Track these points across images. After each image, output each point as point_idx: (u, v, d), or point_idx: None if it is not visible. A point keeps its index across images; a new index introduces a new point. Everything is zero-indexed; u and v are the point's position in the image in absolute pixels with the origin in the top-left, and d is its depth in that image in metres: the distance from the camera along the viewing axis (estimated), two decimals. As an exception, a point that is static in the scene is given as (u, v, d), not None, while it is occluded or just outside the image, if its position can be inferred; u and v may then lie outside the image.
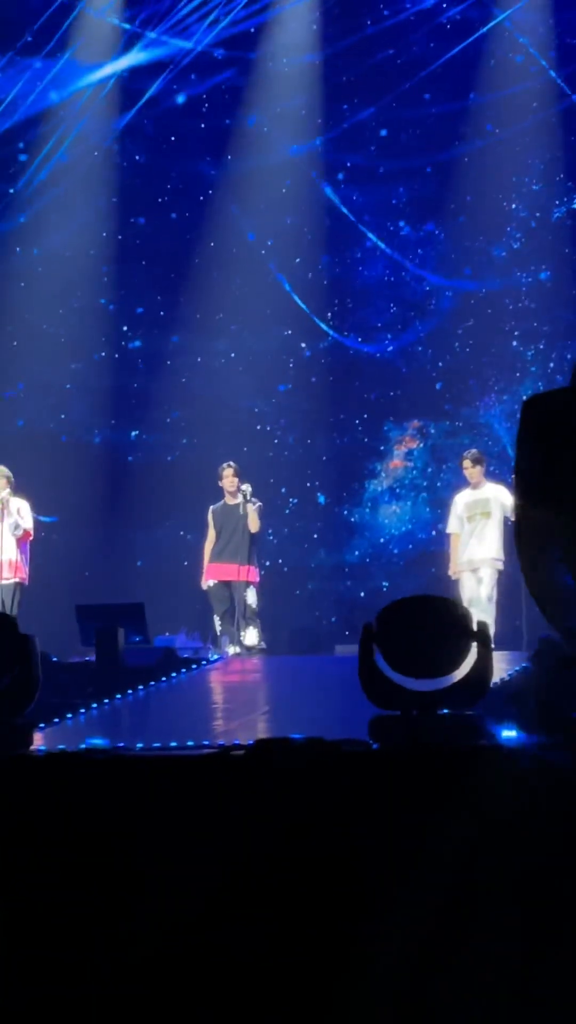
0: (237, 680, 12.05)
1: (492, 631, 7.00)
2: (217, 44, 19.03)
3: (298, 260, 19.25)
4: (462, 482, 14.93)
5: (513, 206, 18.87)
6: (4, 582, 14.30)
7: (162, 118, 19.44)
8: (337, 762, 5.01)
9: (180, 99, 19.41)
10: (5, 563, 14.30)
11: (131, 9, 18.75)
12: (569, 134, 18.67)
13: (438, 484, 18.72)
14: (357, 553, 19.26)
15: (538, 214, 18.86)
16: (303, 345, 19.34)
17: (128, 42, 18.85)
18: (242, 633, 14.41)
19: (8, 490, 14.48)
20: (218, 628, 14.82)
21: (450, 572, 14.63)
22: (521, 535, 4.76)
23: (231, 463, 15.05)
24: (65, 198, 19.02)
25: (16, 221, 19.16)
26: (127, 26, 18.70)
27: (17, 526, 14.29)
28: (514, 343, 18.90)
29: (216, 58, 19.12)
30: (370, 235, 19.27)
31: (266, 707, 9.77)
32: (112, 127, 19.23)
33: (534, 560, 4.15)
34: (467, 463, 14.62)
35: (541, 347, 18.83)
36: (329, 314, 19.39)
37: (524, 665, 9.21)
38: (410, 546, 19.02)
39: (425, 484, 19.10)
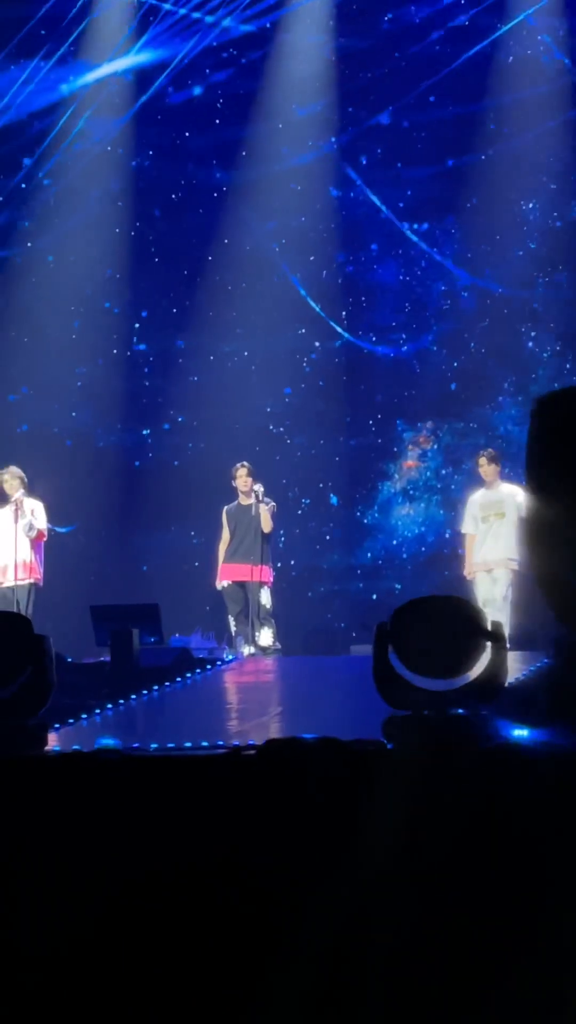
0: (251, 680, 12.05)
1: (507, 631, 6.99)
2: (228, 44, 19.01)
3: (312, 259, 19.23)
4: (476, 484, 14.91)
5: (530, 205, 18.84)
6: (19, 583, 14.31)
7: (172, 119, 19.44)
8: (350, 762, 5.00)
9: (190, 99, 19.39)
10: (20, 564, 14.30)
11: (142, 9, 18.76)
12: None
13: (452, 486, 18.68)
14: (370, 555, 19.24)
15: (555, 213, 18.83)
16: (317, 344, 19.32)
17: (137, 41, 18.83)
18: (257, 633, 14.41)
19: (22, 491, 14.49)
20: (233, 628, 14.83)
21: (465, 572, 14.62)
22: (532, 534, 4.74)
23: (244, 463, 15.05)
24: (73, 200, 19.00)
25: (22, 224, 19.14)
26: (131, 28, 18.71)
27: (31, 527, 14.30)
28: (530, 344, 18.88)
29: (226, 58, 19.11)
30: (385, 235, 19.26)
31: (280, 707, 9.76)
32: (120, 128, 19.21)
33: (545, 559, 4.13)
34: (483, 461, 14.60)
35: (557, 348, 18.81)
36: (343, 314, 19.37)
37: (544, 662, 9.20)
38: (423, 548, 19.00)
39: (439, 486, 19.07)
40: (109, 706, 9.71)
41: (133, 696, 10.26)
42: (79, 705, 9.45)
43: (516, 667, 8.75)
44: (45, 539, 14.68)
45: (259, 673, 12.73)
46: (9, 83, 18.60)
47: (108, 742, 6.21)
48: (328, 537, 19.38)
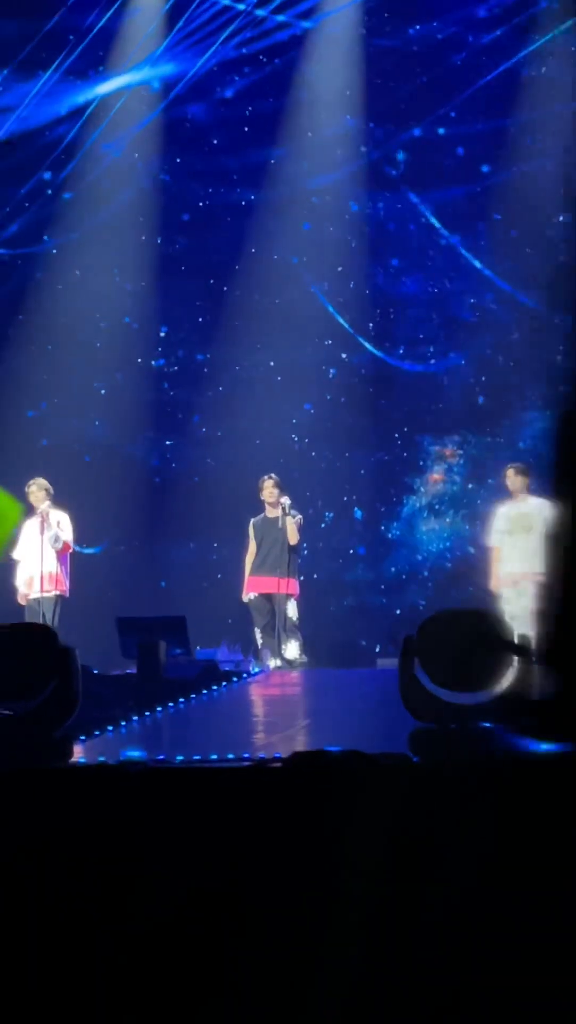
0: (278, 693, 12.04)
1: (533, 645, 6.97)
2: (255, 56, 19.01)
3: (339, 270, 19.20)
4: (501, 498, 14.88)
5: (560, 219, 18.79)
6: (45, 595, 14.33)
7: (196, 131, 19.42)
8: (376, 775, 4.99)
9: (215, 112, 19.40)
10: (46, 576, 14.32)
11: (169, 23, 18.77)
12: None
13: (478, 501, 18.60)
14: (394, 569, 19.16)
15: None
16: (343, 356, 19.29)
17: (162, 52, 18.85)
18: (283, 646, 14.39)
19: (48, 502, 14.52)
20: (259, 641, 14.81)
21: (491, 586, 14.58)
22: (555, 546, 4.73)
23: (271, 475, 15.05)
24: (96, 212, 19.00)
25: (42, 237, 19.14)
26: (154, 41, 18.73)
27: (57, 538, 14.32)
28: (558, 358, 18.82)
29: (253, 71, 19.12)
30: (413, 248, 19.23)
31: (306, 720, 9.75)
32: (144, 141, 19.19)
33: (567, 572, 4.12)
34: (511, 473, 14.56)
35: (587, 362, 18.72)
36: (370, 325, 19.34)
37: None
38: (448, 563, 18.92)
39: (465, 500, 19.00)
40: (135, 718, 9.72)
41: (159, 708, 10.27)
42: (105, 717, 9.46)
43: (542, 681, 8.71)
44: (71, 551, 14.70)
45: (285, 686, 12.72)
46: (29, 94, 18.63)
47: (134, 754, 6.21)
48: (352, 551, 19.32)
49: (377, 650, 17.26)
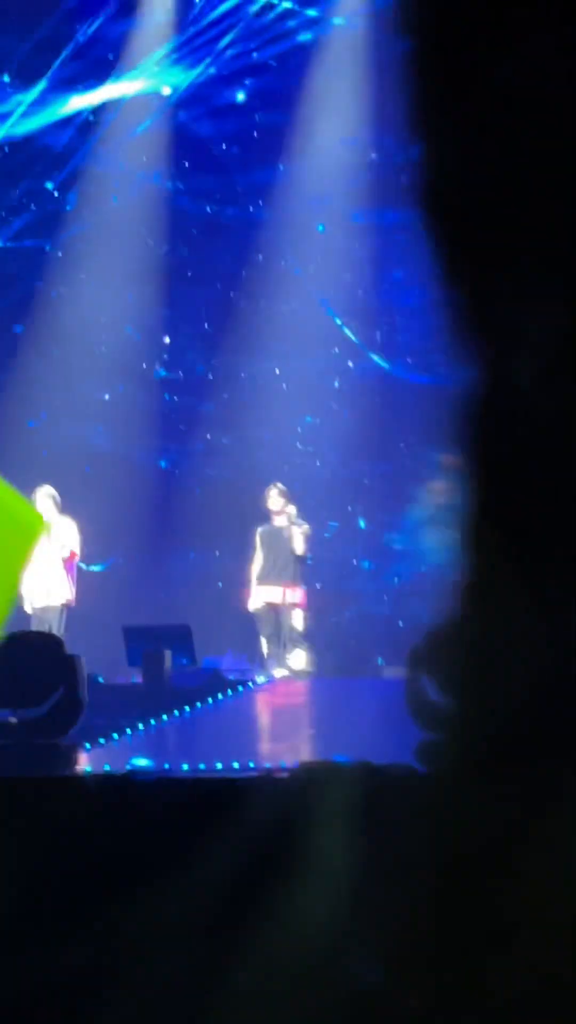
0: (283, 702, 12.04)
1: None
2: (258, 66, 19.02)
3: (347, 278, 19.19)
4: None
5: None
6: (51, 603, 14.34)
7: (201, 142, 19.41)
8: (384, 786, 4.98)
9: (218, 123, 19.38)
10: (52, 584, 14.33)
11: (179, 34, 18.78)
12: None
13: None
14: (397, 580, 19.11)
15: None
16: (349, 364, 19.27)
17: (169, 63, 18.85)
18: (289, 655, 14.38)
19: (55, 510, 14.52)
20: (264, 650, 14.80)
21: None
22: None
23: (276, 484, 15.04)
24: (99, 223, 18.99)
25: (43, 249, 19.12)
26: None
27: (64, 546, 14.33)
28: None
29: (257, 80, 19.10)
30: (423, 254, 19.20)
31: (311, 730, 9.75)
32: (148, 151, 19.17)
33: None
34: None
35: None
36: (377, 334, 19.32)
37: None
38: (453, 575, 18.86)
39: (470, 512, 18.95)
40: (140, 727, 9.72)
41: (165, 717, 10.27)
42: (110, 725, 9.46)
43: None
44: (77, 559, 14.71)
45: (290, 695, 12.72)
46: (34, 104, 18.61)
47: (141, 763, 6.22)
48: (355, 561, 19.28)
49: (380, 663, 17.23)
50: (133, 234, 19.09)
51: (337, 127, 18.93)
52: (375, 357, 19.18)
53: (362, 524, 19.24)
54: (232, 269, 19.33)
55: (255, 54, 18.86)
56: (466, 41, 1.82)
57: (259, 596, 14.83)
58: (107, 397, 19.07)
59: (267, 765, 6.63)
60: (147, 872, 4.89)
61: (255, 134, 19.31)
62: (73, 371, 18.80)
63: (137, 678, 11.82)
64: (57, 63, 18.22)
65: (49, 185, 19.00)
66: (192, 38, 18.72)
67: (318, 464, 19.18)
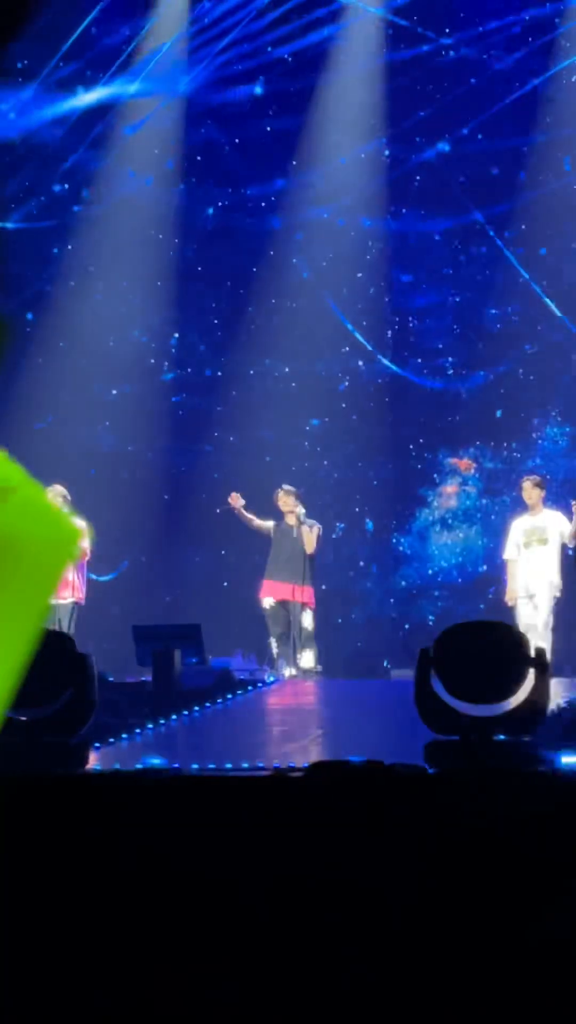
0: (293, 702, 12.05)
1: (549, 658, 6.95)
2: (272, 71, 19.01)
3: (359, 276, 19.17)
4: (516, 513, 14.87)
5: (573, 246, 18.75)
6: (61, 601, 14.35)
7: (211, 148, 19.40)
8: (393, 786, 4.99)
9: (228, 130, 19.36)
10: (62, 582, 14.33)
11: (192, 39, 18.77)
12: None
13: (492, 517, 18.54)
14: (404, 583, 19.10)
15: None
16: (360, 364, 19.26)
17: (183, 67, 18.85)
18: (298, 655, 14.39)
19: (66, 508, 14.53)
20: (274, 650, 14.81)
21: (507, 599, 14.56)
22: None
23: (285, 485, 15.06)
24: (108, 227, 18.98)
25: (51, 252, 19.11)
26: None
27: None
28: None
29: (270, 86, 19.10)
30: (434, 259, 19.21)
31: (321, 730, 9.75)
32: (159, 156, 19.18)
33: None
34: (527, 485, 14.53)
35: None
36: (388, 334, 19.31)
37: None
38: (459, 579, 18.84)
39: (479, 516, 18.92)
40: (150, 726, 9.73)
41: (174, 716, 10.28)
42: (120, 724, 9.47)
43: (558, 693, 8.72)
44: (88, 558, 14.72)
45: (300, 695, 12.73)
46: (41, 107, 18.62)
47: (155, 761, 6.22)
48: (362, 563, 19.26)
49: (386, 664, 17.22)
50: (143, 235, 19.09)
51: (348, 130, 18.93)
52: (384, 359, 19.16)
53: (370, 526, 19.22)
54: (242, 271, 19.34)
55: (270, 51, 18.88)
56: None
57: (269, 591, 14.84)
58: (114, 396, 19.06)
59: (276, 764, 6.64)
60: (157, 868, 4.90)
61: (265, 136, 19.31)
62: (81, 373, 18.79)
63: (147, 677, 11.83)
64: (54, 61, 18.22)
65: (57, 189, 19.01)
66: (203, 38, 18.73)
67: (326, 464, 19.17)
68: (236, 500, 15.09)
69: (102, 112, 18.86)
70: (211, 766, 6.80)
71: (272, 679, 13.48)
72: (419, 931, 4.56)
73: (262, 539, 15.20)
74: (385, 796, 4.87)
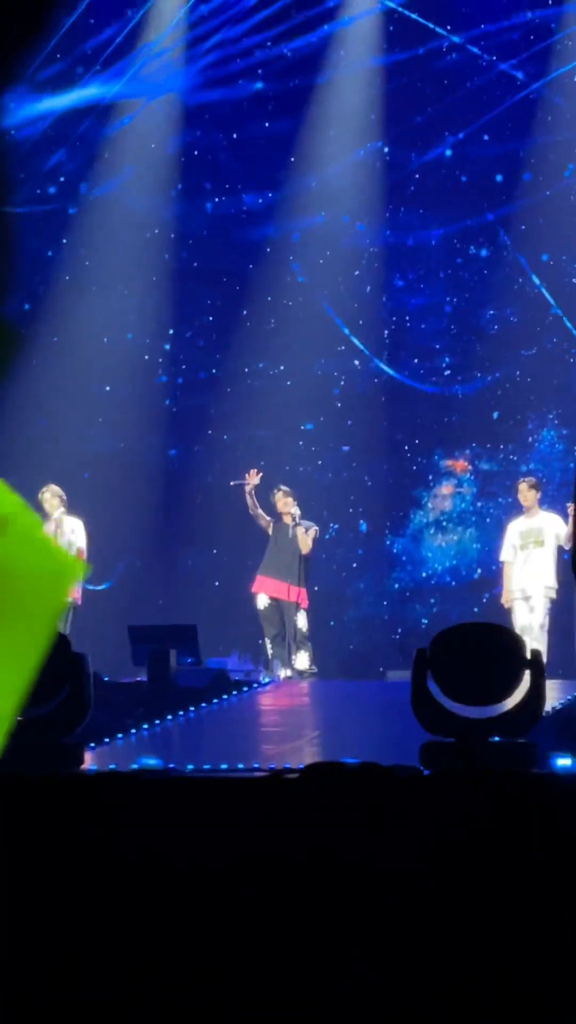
0: (288, 703, 12.05)
1: (544, 659, 6.96)
2: (268, 73, 18.99)
3: (356, 275, 19.15)
4: (512, 515, 14.88)
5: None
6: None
7: (206, 152, 19.37)
8: (389, 787, 4.99)
9: (224, 133, 19.33)
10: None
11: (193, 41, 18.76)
12: None
13: (487, 520, 18.52)
14: (397, 585, 19.05)
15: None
16: (356, 364, 19.23)
17: (180, 69, 18.84)
18: (293, 656, 14.40)
19: (62, 509, 14.54)
20: (269, 651, 14.82)
21: (503, 600, 14.58)
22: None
23: (281, 487, 15.07)
24: (103, 230, 18.95)
25: (46, 254, 19.07)
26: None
27: (71, 544, 14.34)
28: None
29: (265, 88, 19.08)
30: (432, 260, 19.20)
31: (316, 731, 9.76)
32: (155, 159, 19.15)
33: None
34: (524, 487, 14.55)
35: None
36: (385, 333, 19.29)
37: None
38: (453, 582, 18.81)
39: (474, 519, 18.90)
40: (145, 726, 9.73)
41: (169, 717, 10.28)
42: (115, 724, 9.47)
43: (553, 695, 8.73)
44: (85, 558, 14.71)
45: (295, 696, 12.73)
46: (44, 109, 18.59)
47: (149, 762, 6.22)
48: (355, 564, 19.22)
49: (380, 670, 17.19)
50: (138, 236, 19.07)
51: (345, 132, 18.93)
52: (379, 362, 19.14)
53: (363, 527, 19.19)
54: (237, 270, 19.31)
55: (269, 47, 18.86)
56: None
57: (262, 586, 14.84)
58: (108, 398, 19.01)
59: (271, 765, 6.64)
60: (152, 870, 4.90)
61: (262, 136, 19.29)
62: (74, 374, 18.75)
63: (142, 678, 11.83)
64: (39, 59, 18.17)
65: (52, 190, 18.98)
66: (200, 38, 18.72)
67: (320, 465, 19.15)
68: (253, 477, 15.07)
69: (96, 111, 18.85)
70: (206, 766, 6.80)
71: (267, 680, 13.48)
72: (416, 931, 4.56)
73: (258, 539, 15.21)
74: (381, 797, 4.87)
